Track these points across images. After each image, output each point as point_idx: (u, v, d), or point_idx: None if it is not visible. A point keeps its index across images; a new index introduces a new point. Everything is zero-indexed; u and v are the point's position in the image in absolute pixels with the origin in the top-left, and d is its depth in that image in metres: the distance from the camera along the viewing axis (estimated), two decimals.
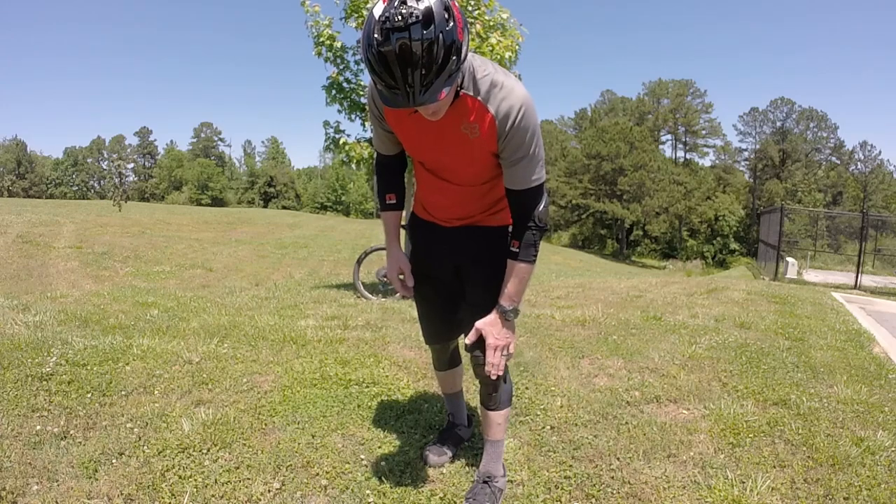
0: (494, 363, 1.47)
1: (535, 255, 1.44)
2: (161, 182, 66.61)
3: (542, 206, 1.39)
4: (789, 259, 12.32)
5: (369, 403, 2.31)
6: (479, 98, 1.28)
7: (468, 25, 1.18)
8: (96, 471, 1.71)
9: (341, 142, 6.34)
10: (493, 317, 1.48)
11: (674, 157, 54.81)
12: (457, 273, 1.68)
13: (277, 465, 1.80)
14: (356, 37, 6.29)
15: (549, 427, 2.16)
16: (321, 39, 6.07)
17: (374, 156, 1.71)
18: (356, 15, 5.93)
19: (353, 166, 6.45)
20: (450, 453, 1.90)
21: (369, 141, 6.49)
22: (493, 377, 1.49)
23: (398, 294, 6.02)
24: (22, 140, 67.09)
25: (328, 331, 3.48)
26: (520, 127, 1.28)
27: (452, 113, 1.28)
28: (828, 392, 2.62)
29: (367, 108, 1.60)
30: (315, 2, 6.11)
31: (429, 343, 1.89)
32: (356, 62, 6.35)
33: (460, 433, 2.00)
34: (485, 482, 1.67)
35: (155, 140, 73.15)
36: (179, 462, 1.78)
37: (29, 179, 65.15)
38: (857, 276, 11.06)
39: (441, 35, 1.07)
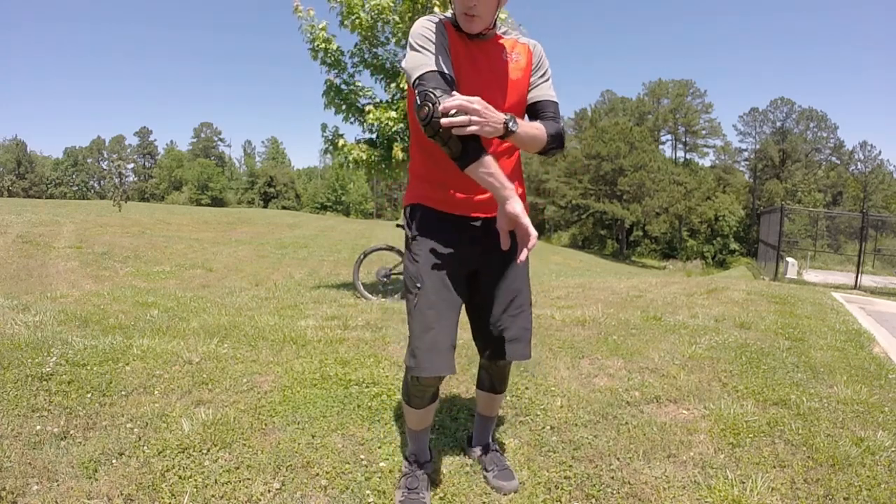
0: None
1: (552, 138, 1.54)
2: (161, 182, 66.68)
3: (562, 125, 1.64)
4: (789, 259, 12.30)
5: (369, 403, 2.31)
6: (515, 38, 1.66)
7: None
8: (96, 471, 1.71)
9: (339, 143, 6.34)
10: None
11: (674, 157, 54.86)
12: (469, 281, 1.62)
13: (277, 465, 1.80)
14: (353, 39, 6.33)
15: (549, 427, 2.16)
16: (316, 43, 6.10)
17: (433, 99, 1.33)
18: (353, 16, 5.94)
19: (352, 167, 6.44)
20: (428, 498, 1.66)
21: (368, 142, 6.49)
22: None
23: (398, 294, 6.03)
24: (22, 140, 67.32)
25: (328, 331, 3.48)
26: (544, 56, 1.68)
27: (502, 46, 1.62)
28: (828, 392, 2.62)
29: (421, 40, 1.44)
30: (308, 6, 6.14)
31: (436, 372, 1.49)
32: (353, 64, 6.37)
33: (427, 473, 1.74)
34: (495, 450, 1.88)
35: (155, 140, 73.45)
36: (179, 462, 1.79)
37: (29, 179, 65.19)
38: (857, 276, 11.05)
39: None
